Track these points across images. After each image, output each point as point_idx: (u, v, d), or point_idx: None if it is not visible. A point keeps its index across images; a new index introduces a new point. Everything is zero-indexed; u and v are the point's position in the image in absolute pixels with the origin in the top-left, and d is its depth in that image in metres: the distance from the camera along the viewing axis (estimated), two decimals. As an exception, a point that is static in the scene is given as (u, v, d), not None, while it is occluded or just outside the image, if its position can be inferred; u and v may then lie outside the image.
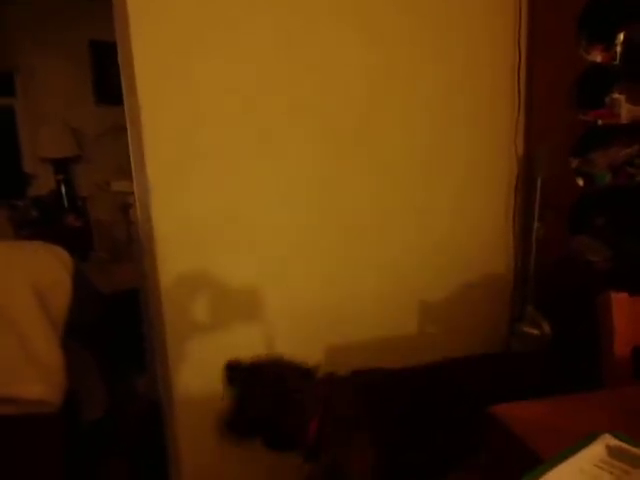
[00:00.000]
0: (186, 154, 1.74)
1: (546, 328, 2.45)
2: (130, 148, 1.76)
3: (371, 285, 2.22)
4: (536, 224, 2.51)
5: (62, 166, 4.07)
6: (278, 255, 1.99)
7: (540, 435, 0.71)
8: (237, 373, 1.69)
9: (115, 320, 2.38)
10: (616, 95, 2.55)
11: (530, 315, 2.54)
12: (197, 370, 1.88)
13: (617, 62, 2.46)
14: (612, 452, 0.66)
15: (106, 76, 3.97)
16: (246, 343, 1.97)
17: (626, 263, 2.49)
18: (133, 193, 1.90)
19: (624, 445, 0.67)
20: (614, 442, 0.68)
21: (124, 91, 1.73)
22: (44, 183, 4.07)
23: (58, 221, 3.90)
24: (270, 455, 2.09)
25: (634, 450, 0.67)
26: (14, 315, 1.43)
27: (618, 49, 2.45)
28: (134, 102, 1.64)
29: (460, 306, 2.41)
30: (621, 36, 2.45)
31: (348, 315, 2.18)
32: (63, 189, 4.06)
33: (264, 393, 1.61)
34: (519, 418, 0.75)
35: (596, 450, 0.66)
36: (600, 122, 2.46)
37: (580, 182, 2.53)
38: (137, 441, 2.35)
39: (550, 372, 2.05)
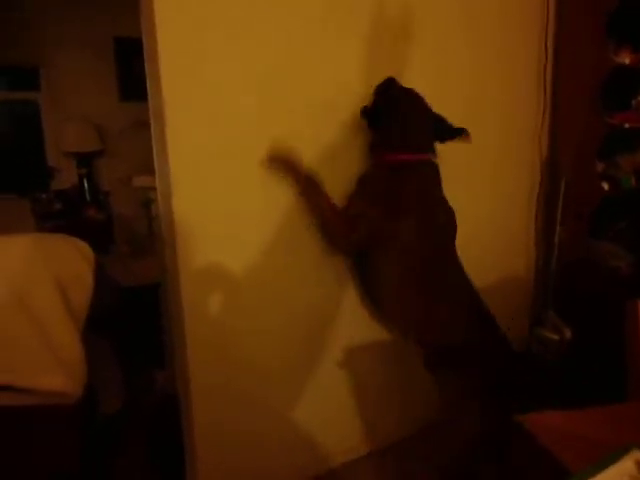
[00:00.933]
0: (209, 150, 1.74)
1: (567, 333, 2.42)
2: (153, 144, 1.76)
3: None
4: (558, 227, 2.48)
5: (85, 160, 4.11)
6: (298, 252, 1.99)
7: (566, 446, 0.70)
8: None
9: (134, 314, 2.41)
10: (644, 98, 2.50)
11: (551, 320, 2.51)
12: (215, 364, 1.89)
13: (645, 64, 2.41)
14: (642, 467, 0.65)
15: (130, 72, 4.00)
16: (263, 339, 1.97)
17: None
18: (154, 188, 1.91)
19: (653, 460, 0.66)
20: (644, 457, 0.67)
21: (149, 87, 1.74)
22: (67, 177, 4.11)
23: (80, 214, 3.93)
24: (286, 452, 2.10)
25: (663, 465, 0.65)
26: (37, 308, 1.44)
27: (647, 51, 2.40)
28: (158, 98, 1.65)
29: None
30: (651, 38, 2.40)
31: (363, 313, 2.17)
32: (85, 183, 4.10)
33: None
34: (546, 428, 0.74)
35: (625, 465, 0.65)
36: (627, 125, 2.42)
37: (605, 186, 2.49)
38: (154, 434, 2.37)
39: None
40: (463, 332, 1.83)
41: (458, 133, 1.88)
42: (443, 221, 1.92)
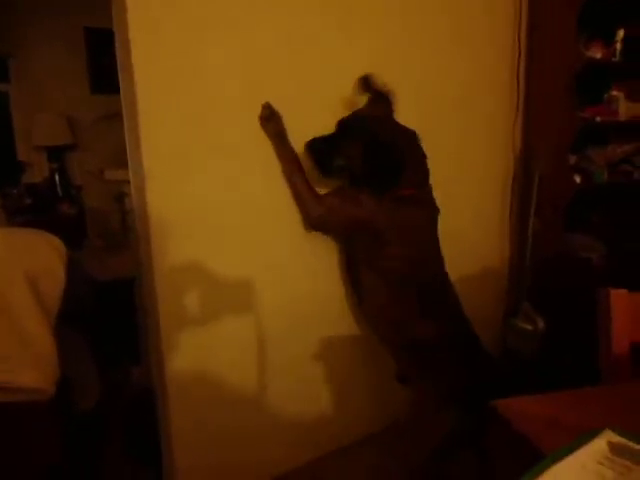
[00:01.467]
0: (183, 143, 1.72)
1: (540, 324, 2.46)
2: (126, 136, 1.73)
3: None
4: (532, 220, 2.51)
5: (56, 154, 4.04)
6: (276, 248, 1.98)
7: (540, 430, 0.71)
8: None
9: (109, 308, 2.38)
10: (615, 92, 2.55)
11: (525, 310, 2.54)
12: (190, 358, 1.87)
13: (617, 59, 2.46)
14: (614, 448, 0.66)
15: (101, 64, 3.93)
16: (239, 334, 1.96)
17: (621, 260, 2.50)
18: (127, 182, 1.88)
19: (626, 441, 0.67)
20: (616, 438, 0.68)
21: (120, 79, 1.71)
22: (38, 171, 4.04)
23: (52, 209, 3.87)
24: (261, 445, 2.10)
25: (636, 446, 0.66)
26: (7, 302, 1.42)
27: (618, 46, 2.45)
28: (131, 90, 1.62)
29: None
30: (621, 33, 2.45)
31: (342, 309, 2.18)
32: (57, 177, 4.03)
33: None
34: (520, 413, 0.75)
35: (598, 446, 0.66)
36: (598, 119, 2.46)
37: (577, 179, 2.53)
38: (131, 428, 2.35)
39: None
40: (434, 331, 1.85)
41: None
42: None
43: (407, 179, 1.76)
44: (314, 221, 1.88)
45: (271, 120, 1.79)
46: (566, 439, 0.65)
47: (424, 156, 1.85)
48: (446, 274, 1.95)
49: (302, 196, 1.85)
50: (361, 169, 1.77)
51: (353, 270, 1.95)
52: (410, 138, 1.81)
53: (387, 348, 1.98)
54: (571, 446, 0.64)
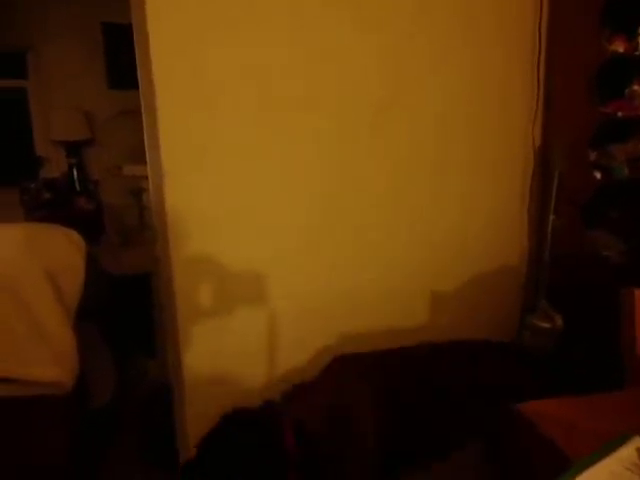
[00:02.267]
0: (200, 139, 1.73)
1: (558, 322, 2.43)
2: (145, 132, 1.74)
3: (381, 274, 2.21)
4: (551, 216, 2.48)
5: (74, 149, 4.07)
6: (288, 243, 1.98)
7: (567, 434, 0.70)
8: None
9: (125, 304, 2.39)
10: (636, 87, 2.50)
11: (542, 308, 2.52)
12: (206, 352, 1.88)
13: (639, 53, 2.41)
14: (643, 455, 0.65)
15: (119, 59, 3.94)
16: (254, 328, 1.97)
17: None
18: (145, 177, 1.89)
19: (655, 448, 0.66)
20: (644, 445, 0.67)
21: (139, 74, 1.71)
22: (56, 166, 4.07)
23: (69, 204, 3.89)
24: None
25: (664, 453, 0.65)
26: (27, 298, 1.43)
27: (641, 40, 2.39)
28: (149, 86, 1.63)
29: (472, 297, 2.40)
30: (644, 27, 2.40)
31: (357, 305, 2.17)
32: (75, 172, 4.06)
33: None
34: (545, 416, 0.74)
35: (626, 453, 0.65)
36: (620, 114, 2.41)
37: (598, 175, 2.49)
38: (146, 424, 2.36)
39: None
40: None
41: None
42: None
43: None
44: None
45: None
46: (592, 443, 0.64)
47: None
48: None
49: None
50: None
51: None
52: None
53: None
54: (600, 452, 0.63)
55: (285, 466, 1.50)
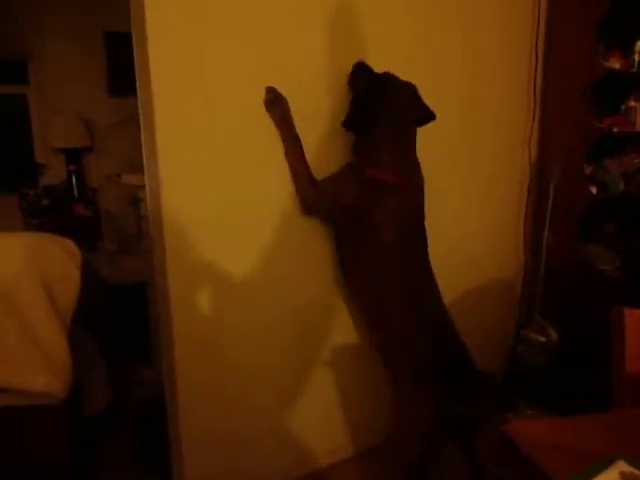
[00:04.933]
0: (199, 148, 1.73)
1: (553, 336, 2.44)
2: (142, 140, 1.75)
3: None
4: (547, 231, 2.50)
5: (74, 156, 4.08)
6: (291, 253, 1.98)
7: (550, 455, 0.70)
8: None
9: (121, 312, 2.39)
10: (632, 103, 2.53)
11: (537, 322, 2.52)
12: (202, 364, 1.88)
13: (635, 69, 2.43)
14: (626, 479, 0.65)
15: (120, 67, 3.97)
16: (252, 338, 1.97)
17: (635, 271, 2.47)
18: (143, 186, 1.89)
19: (638, 472, 0.66)
20: (628, 469, 0.67)
21: (138, 82, 1.72)
22: (55, 173, 4.08)
23: (68, 210, 3.91)
24: (272, 453, 2.10)
25: (647, 477, 0.66)
26: (22, 307, 1.43)
27: (637, 57, 2.42)
28: (148, 93, 1.64)
29: (467, 310, 2.39)
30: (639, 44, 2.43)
31: (353, 315, 2.17)
32: (74, 179, 4.07)
33: None
34: (529, 437, 0.74)
35: (610, 476, 0.65)
36: (616, 129, 2.43)
37: (593, 189, 2.51)
38: (140, 432, 2.36)
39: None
40: (414, 320, 1.86)
41: (433, 118, 1.93)
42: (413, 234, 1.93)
43: (388, 162, 1.81)
44: (307, 205, 1.94)
45: (276, 104, 1.82)
46: (576, 465, 0.64)
47: (409, 137, 1.88)
48: (430, 269, 1.95)
49: (299, 180, 1.91)
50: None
51: (340, 251, 1.99)
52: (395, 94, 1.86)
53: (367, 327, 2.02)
54: (584, 475, 0.63)
55: None
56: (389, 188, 1.81)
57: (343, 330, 2.18)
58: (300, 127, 1.86)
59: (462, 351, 1.87)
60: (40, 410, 1.44)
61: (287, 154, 1.88)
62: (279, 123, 1.85)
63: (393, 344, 1.90)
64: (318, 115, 1.94)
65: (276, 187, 1.90)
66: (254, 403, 2.03)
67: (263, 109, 1.82)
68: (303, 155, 1.88)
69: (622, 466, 0.67)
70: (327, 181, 1.90)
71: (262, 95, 1.81)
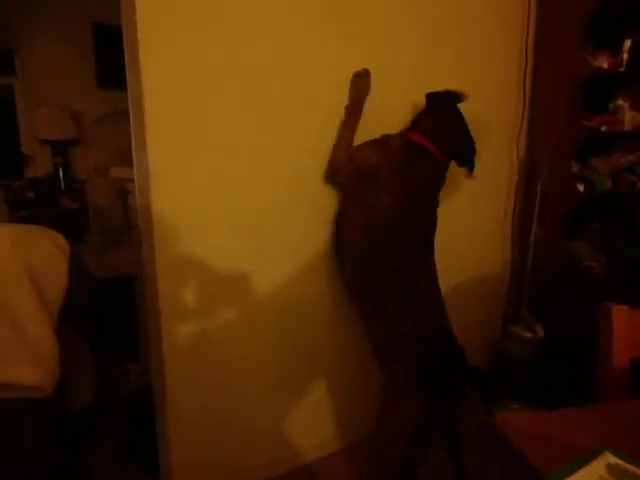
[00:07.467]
0: (189, 142, 1.72)
1: (539, 331, 2.46)
2: (132, 133, 1.73)
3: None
4: (534, 228, 2.52)
5: (60, 148, 4.03)
6: (279, 246, 1.98)
7: (539, 448, 0.71)
8: None
9: (108, 306, 2.38)
10: (620, 102, 2.55)
11: (524, 318, 2.55)
12: (190, 358, 1.87)
13: (623, 69, 2.46)
14: (612, 470, 0.66)
15: (108, 60, 3.93)
16: (241, 332, 1.97)
17: (620, 269, 2.50)
18: (131, 180, 1.88)
19: (624, 464, 0.67)
20: (614, 460, 0.68)
21: (128, 74, 1.70)
22: (42, 165, 4.03)
23: (54, 203, 3.87)
24: (260, 446, 2.10)
25: (634, 469, 0.66)
26: (8, 299, 1.41)
27: (624, 56, 2.45)
28: (137, 86, 1.62)
29: (455, 306, 2.40)
30: (628, 43, 2.45)
31: (345, 312, 2.18)
32: (60, 172, 4.03)
33: None
34: (518, 430, 0.75)
35: (596, 468, 0.66)
36: (604, 128, 2.46)
37: (581, 187, 2.53)
38: (126, 427, 2.35)
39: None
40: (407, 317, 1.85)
41: (471, 164, 2.09)
42: (421, 217, 1.93)
43: (425, 124, 1.97)
44: (331, 166, 2.00)
45: (363, 79, 1.97)
46: (563, 458, 0.65)
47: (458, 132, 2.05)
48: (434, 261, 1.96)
49: (338, 143, 1.98)
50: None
51: (339, 226, 1.99)
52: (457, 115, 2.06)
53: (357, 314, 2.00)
54: (570, 467, 0.64)
55: None
56: (429, 155, 1.92)
57: (332, 324, 2.19)
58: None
59: (456, 345, 1.88)
60: (26, 404, 1.42)
61: (344, 122, 1.99)
62: (354, 94, 1.98)
63: (392, 342, 1.87)
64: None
65: (266, 180, 1.90)
66: (242, 396, 2.03)
67: (253, 102, 1.82)
68: (355, 127, 1.98)
69: (608, 457, 0.68)
70: (362, 145, 1.96)
71: (253, 87, 1.80)
